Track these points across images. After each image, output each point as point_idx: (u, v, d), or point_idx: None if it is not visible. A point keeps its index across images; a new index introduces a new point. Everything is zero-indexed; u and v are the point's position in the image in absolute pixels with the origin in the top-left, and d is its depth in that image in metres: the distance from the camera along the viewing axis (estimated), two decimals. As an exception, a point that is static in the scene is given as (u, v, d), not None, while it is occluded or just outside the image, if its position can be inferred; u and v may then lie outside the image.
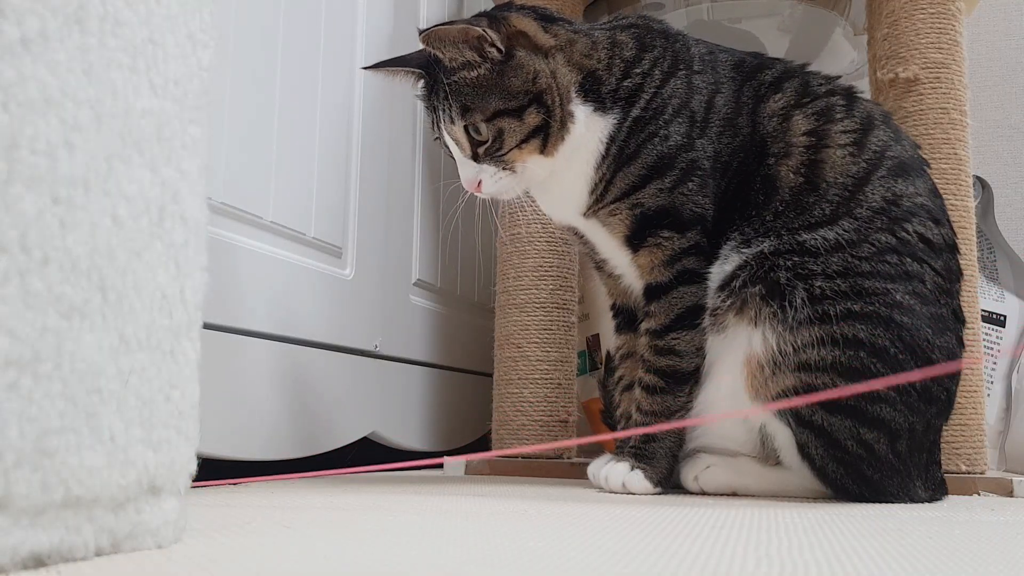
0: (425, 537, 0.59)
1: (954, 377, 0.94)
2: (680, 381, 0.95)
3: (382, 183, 1.32)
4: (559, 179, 0.98)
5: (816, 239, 0.92)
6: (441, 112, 0.93)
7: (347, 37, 1.23)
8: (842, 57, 1.55)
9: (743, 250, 0.94)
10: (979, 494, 1.07)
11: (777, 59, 1.06)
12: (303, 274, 1.11)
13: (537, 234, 1.29)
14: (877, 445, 0.88)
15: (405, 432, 1.36)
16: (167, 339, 0.51)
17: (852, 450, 0.88)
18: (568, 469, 1.24)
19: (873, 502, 0.90)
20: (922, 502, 0.91)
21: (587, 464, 1.09)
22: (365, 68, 1.04)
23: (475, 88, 0.91)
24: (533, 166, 0.95)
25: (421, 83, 0.98)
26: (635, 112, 0.97)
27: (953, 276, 0.95)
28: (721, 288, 0.94)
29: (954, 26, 1.21)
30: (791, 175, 0.95)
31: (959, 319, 0.95)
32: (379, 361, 1.29)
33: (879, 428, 0.88)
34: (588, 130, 0.96)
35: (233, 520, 0.65)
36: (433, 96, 0.94)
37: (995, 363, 1.62)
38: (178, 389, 0.52)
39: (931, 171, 1.01)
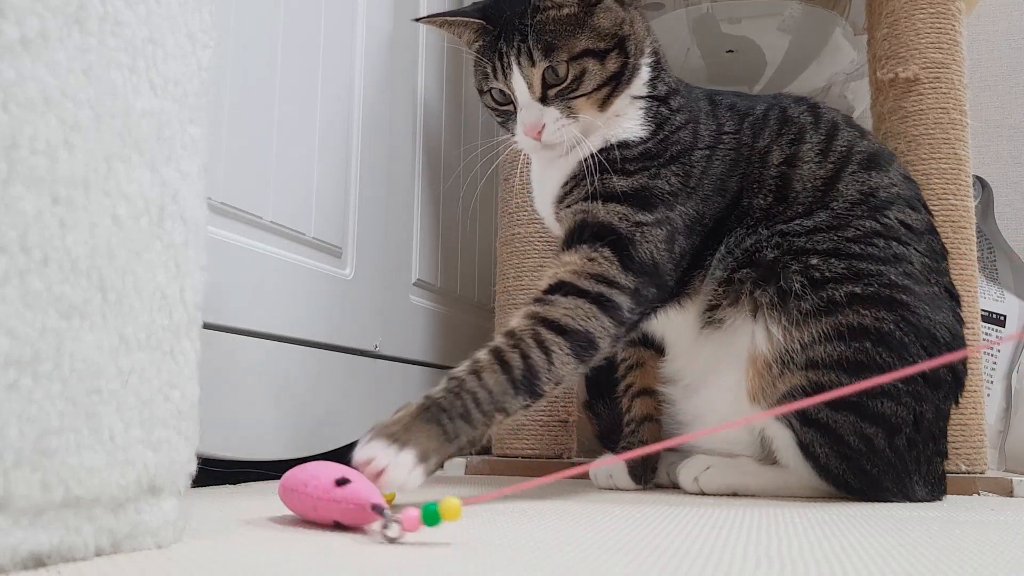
0: (424, 537, 0.59)
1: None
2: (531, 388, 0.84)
3: (382, 183, 1.32)
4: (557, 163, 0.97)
5: (796, 227, 0.94)
6: (513, 57, 0.91)
7: (347, 37, 1.23)
8: (842, 57, 1.55)
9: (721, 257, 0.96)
10: (979, 494, 1.07)
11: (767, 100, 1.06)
12: (303, 274, 1.11)
13: (537, 234, 1.29)
14: (876, 440, 0.88)
15: (405, 432, 1.36)
16: (167, 339, 0.51)
17: (854, 445, 0.88)
18: (568, 469, 1.23)
19: (873, 497, 0.90)
20: (919, 500, 0.91)
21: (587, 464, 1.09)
22: (417, 20, 1.04)
23: (564, 26, 0.91)
24: (586, 120, 0.93)
25: (474, 35, 0.97)
26: (660, 135, 0.96)
27: (938, 255, 0.97)
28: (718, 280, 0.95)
29: (954, 26, 1.21)
30: (759, 200, 0.97)
31: (952, 296, 0.96)
32: (379, 361, 1.29)
33: (879, 423, 0.88)
34: (631, 107, 0.96)
35: (233, 520, 0.65)
36: (502, 42, 0.92)
37: (995, 362, 1.62)
38: (178, 389, 0.52)
39: (933, 168, 1.01)
